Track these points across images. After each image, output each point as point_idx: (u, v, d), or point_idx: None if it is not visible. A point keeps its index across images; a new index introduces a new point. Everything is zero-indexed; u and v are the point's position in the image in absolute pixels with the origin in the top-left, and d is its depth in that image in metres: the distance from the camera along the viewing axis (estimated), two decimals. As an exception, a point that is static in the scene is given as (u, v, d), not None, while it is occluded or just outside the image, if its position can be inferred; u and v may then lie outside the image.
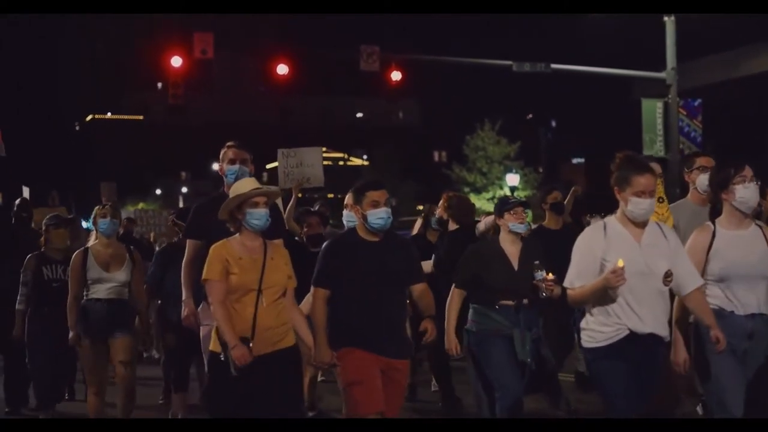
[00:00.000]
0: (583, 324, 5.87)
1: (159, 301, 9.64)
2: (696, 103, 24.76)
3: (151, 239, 18.80)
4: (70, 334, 8.16)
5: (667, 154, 24.23)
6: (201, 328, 7.07)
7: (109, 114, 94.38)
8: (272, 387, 6.00)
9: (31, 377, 9.27)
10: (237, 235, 6.17)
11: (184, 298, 7.17)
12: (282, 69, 23.24)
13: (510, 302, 7.11)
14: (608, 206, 6.33)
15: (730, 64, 34.18)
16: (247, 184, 6.23)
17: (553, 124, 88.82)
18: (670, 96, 23.78)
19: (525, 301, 7.12)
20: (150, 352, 14.02)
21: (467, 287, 7.33)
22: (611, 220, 5.85)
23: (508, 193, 45.91)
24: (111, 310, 8.15)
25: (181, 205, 59.01)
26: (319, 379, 10.16)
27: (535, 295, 7.06)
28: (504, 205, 7.41)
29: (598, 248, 5.72)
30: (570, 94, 64.22)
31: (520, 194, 46.84)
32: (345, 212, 8.15)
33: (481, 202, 45.42)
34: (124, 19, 56.76)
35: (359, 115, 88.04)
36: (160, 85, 47.69)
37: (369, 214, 6.39)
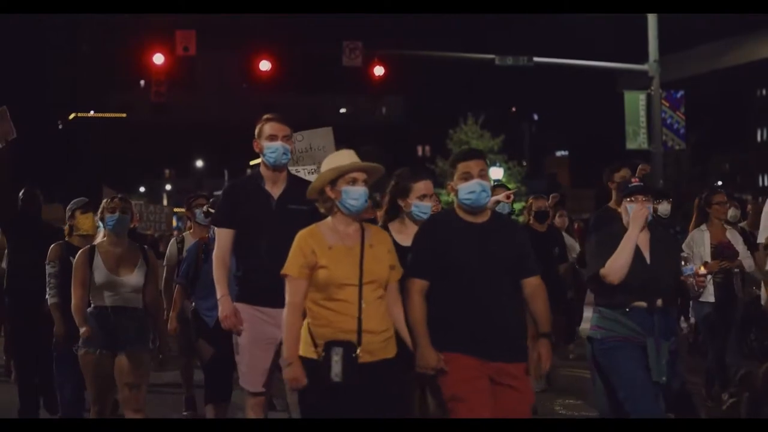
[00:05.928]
0: None
1: (193, 303, 8.32)
2: (678, 95, 24.82)
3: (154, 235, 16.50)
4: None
5: (650, 146, 24.33)
6: (236, 333, 6.18)
7: (92, 112, 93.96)
8: (375, 401, 5.08)
9: (57, 383, 7.87)
10: (328, 218, 5.26)
11: (219, 296, 6.28)
12: (265, 65, 23.26)
13: (642, 303, 6.02)
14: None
15: (713, 56, 34.22)
16: (344, 157, 5.30)
17: (536, 117, 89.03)
18: (652, 88, 23.87)
19: (659, 302, 6.03)
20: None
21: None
22: None
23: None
24: (120, 319, 7.02)
25: (165, 202, 58.79)
26: None
27: (672, 294, 6.18)
28: (622, 191, 6.34)
29: None
30: (553, 87, 64.21)
31: (505, 188, 46.87)
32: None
33: (465, 196, 45.36)
34: (106, 17, 56.61)
35: (343, 110, 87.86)
36: (142, 82, 47.57)
37: (459, 189, 5.53)
